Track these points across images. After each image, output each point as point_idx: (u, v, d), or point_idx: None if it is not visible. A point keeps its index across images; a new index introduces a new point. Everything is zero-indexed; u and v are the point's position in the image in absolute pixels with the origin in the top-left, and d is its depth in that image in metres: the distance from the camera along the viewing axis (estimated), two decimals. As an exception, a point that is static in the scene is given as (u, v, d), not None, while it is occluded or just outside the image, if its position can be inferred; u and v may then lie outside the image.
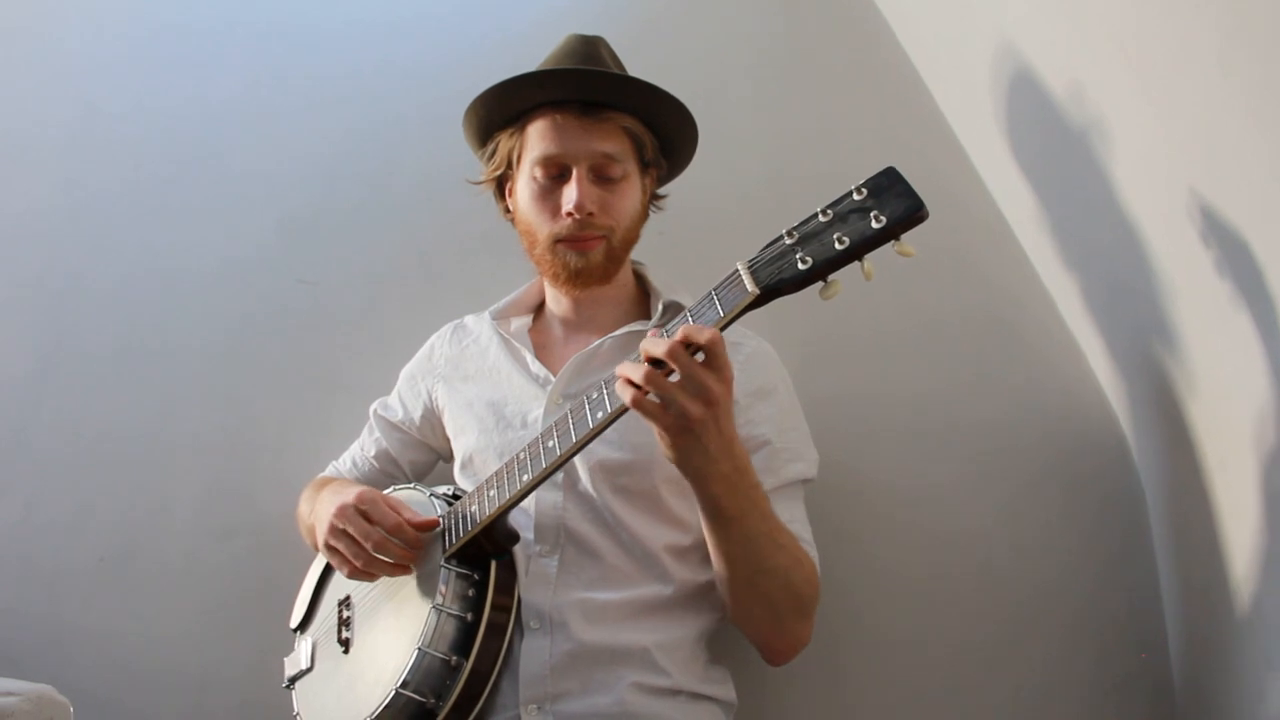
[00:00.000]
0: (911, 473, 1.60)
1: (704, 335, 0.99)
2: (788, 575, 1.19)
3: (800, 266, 0.96)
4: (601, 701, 1.21)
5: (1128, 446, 1.57)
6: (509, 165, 1.40)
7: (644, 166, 1.40)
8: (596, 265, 1.35)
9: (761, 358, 1.40)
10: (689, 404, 1.01)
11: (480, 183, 1.46)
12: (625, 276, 1.44)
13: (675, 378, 1.02)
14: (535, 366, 1.41)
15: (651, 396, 1.02)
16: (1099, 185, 1.35)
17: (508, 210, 1.46)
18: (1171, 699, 1.46)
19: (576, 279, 1.35)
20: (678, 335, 1.00)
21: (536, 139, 1.34)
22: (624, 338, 1.38)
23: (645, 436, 1.15)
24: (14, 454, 1.71)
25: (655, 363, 1.01)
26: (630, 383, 1.02)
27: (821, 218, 0.97)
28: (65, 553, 1.66)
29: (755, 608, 1.22)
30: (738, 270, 1.00)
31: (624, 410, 1.06)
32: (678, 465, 1.08)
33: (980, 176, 1.76)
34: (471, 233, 1.75)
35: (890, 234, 0.93)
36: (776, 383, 1.38)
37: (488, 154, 1.43)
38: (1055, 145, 1.45)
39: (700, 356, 1.01)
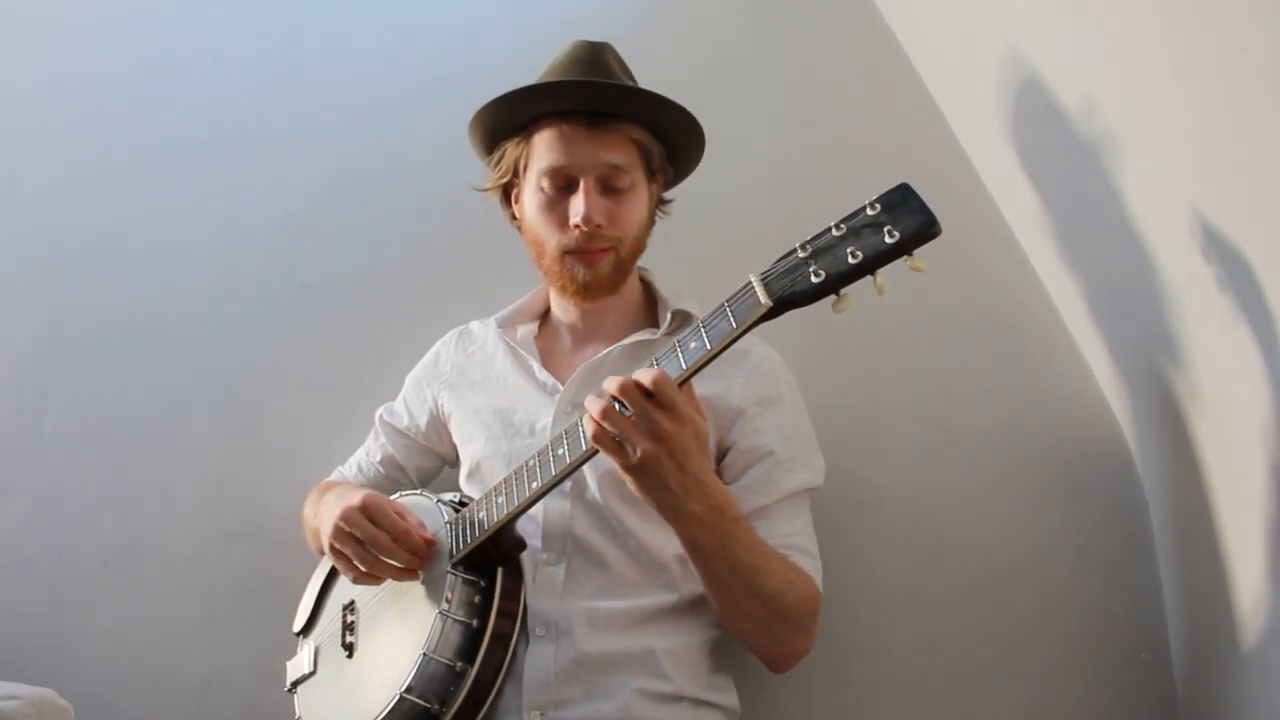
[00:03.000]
0: (915, 480, 1.60)
1: (648, 377, 1.03)
2: (779, 599, 1.19)
3: (813, 280, 0.96)
4: (605, 708, 1.21)
5: (1130, 454, 1.57)
6: (515, 173, 1.39)
7: (651, 175, 1.39)
8: (605, 277, 1.35)
9: (768, 364, 1.39)
10: (640, 441, 1.04)
11: (486, 190, 1.46)
12: (632, 284, 1.44)
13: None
14: (542, 375, 1.40)
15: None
16: (1102, 190, 1.35)
17: (514, 217, 1.45)
18: (1174, 707, 1.47)
19: (585, 291, 1.35)
20: (633, 377, 1.04)
21: (544, 149, 1.34)
22: (631, 346, 1.38)
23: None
24: (17, 456, 1.71)
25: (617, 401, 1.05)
26: (593, 419, 1.05)
27: (835, 232, 0.97)
28: (68, 555, 1.66)
29: (746, 625, 1.23)
30: (750, 283, 1.01)
31: None
32: (644, 499, 1.10)
33: (984, 182, 1.76)
34: (474, 237, 1.75)
35: (902, 249, 0.93)
36: (783, 390, 1.38)
37: (494, 161, 1.42)
38: (1059, 150, 1.45)
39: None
